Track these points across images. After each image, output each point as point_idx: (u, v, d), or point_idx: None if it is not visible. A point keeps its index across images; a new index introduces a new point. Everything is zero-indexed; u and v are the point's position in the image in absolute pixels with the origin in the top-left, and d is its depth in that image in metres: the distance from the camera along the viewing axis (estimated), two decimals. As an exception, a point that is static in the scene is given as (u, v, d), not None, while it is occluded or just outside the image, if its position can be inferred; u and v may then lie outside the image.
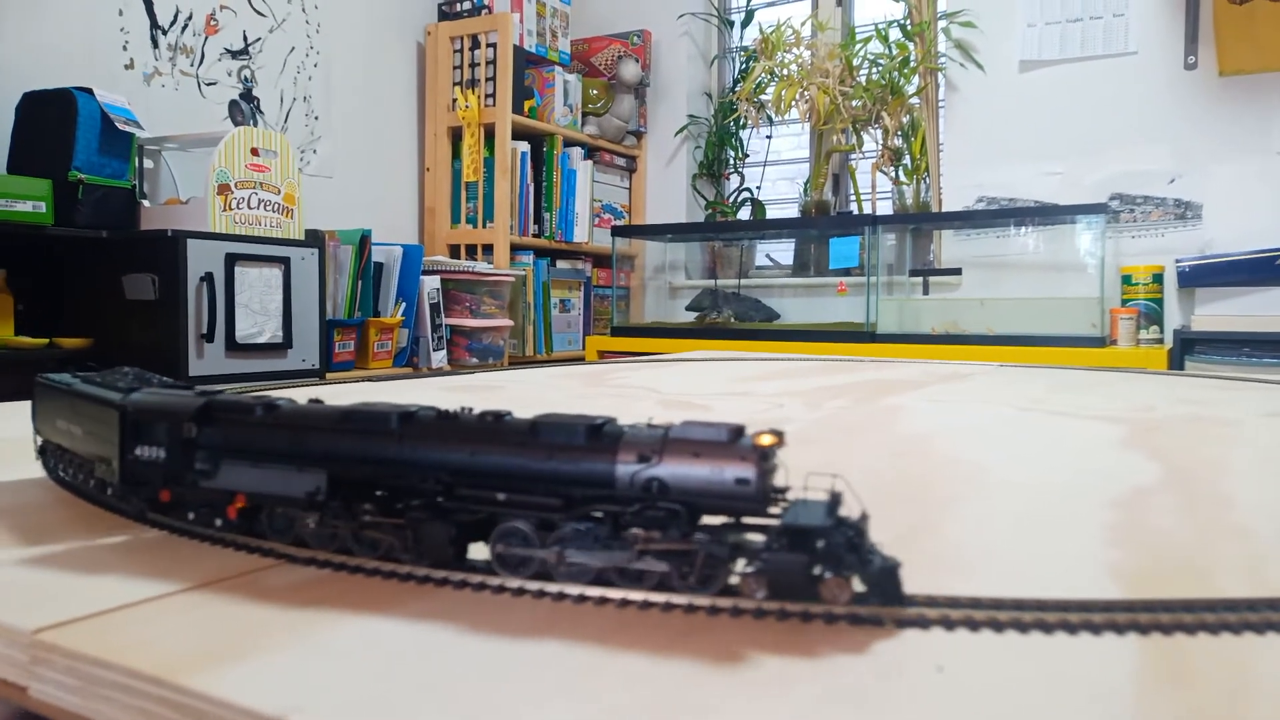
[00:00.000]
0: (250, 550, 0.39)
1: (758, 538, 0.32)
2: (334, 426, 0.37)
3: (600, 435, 0.33)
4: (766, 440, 0.31)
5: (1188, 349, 2.51)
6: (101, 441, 0.42)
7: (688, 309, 3.36)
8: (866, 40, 3.10)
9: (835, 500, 0.32)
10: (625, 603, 0.32)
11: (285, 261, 2.18)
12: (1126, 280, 2.68)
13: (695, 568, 0.32)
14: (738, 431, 0.32)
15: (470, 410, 0.36)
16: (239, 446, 0.38)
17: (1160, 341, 2.61)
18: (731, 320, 3.19)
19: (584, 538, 0.32)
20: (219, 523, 0.39)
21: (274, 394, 0.43)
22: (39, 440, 0.52)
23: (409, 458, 0.35)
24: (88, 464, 0.44)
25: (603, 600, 0.33)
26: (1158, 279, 2.65)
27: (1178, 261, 2.65)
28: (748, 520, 0.32)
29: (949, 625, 0.31)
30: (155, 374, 0.49)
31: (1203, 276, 2.58)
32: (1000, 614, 0.31)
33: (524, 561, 0.34)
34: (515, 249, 3.16)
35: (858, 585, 0.31)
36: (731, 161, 3.59)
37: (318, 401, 0.39)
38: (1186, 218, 2.73)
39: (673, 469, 0.32)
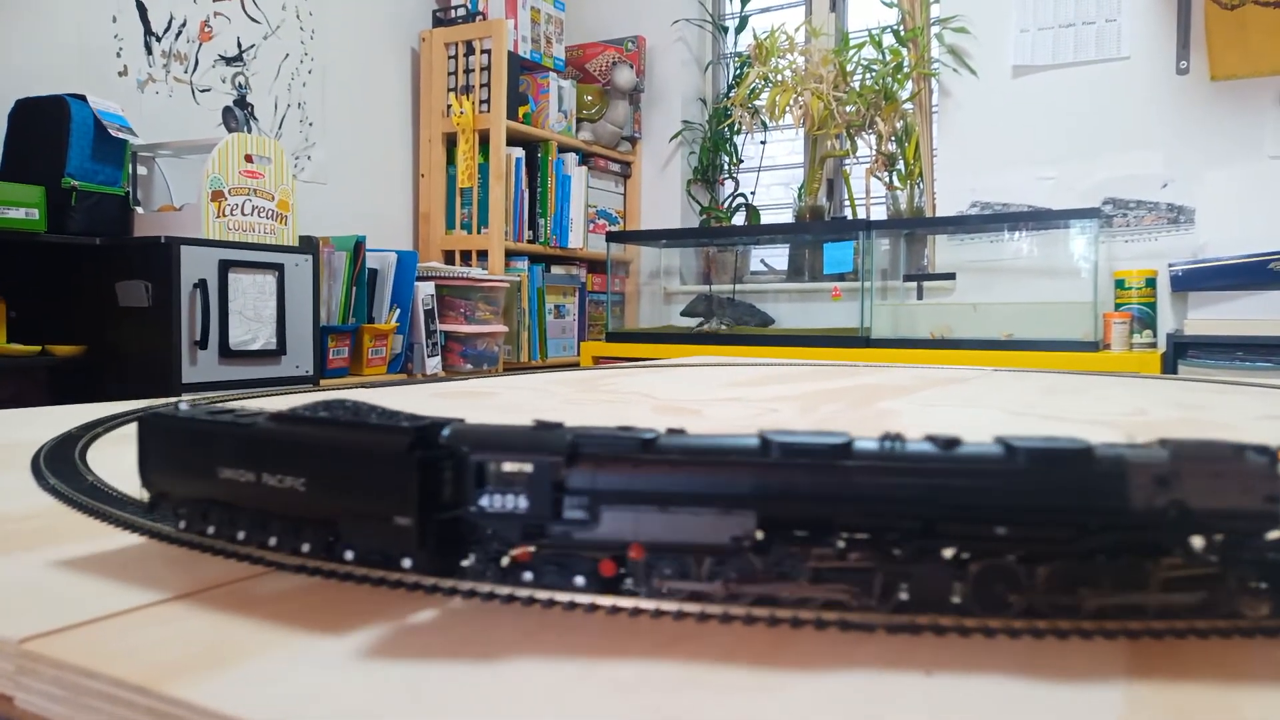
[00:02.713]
0: (238, 558, 0.39)
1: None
2: (762, 460, 0.31)
3: (1093, 459, 0.30)
4: None
5: (1181, 353, 2.52)
6: (356, 494, 0.33)
7: (682, 314, 3.36)
8: (860, 46, 3.11)
9: None
10: (615, 609, 0.32)
11: (279, 268, 2.18)
12: (1120, 284, 2.69)
13: (1231, 594, 0.30)
14: (1252, 448, 0.29)
15: (899, 436, 0.32)
16: (623, 489, 0.31)
17: (1153, 345, 2.61)
18: (726, 325, 3.19)
19: (1113, 572, 0.29)
20: (580, 581, 0.32)
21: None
22: (149, 492, 0.41)
23: (873, 493, 0.31)
24: (302, 525, 0.35)
25: (592, 608, 0.32)
26: (1151, 283, 2.66)
27: (1171, 266, 2.66)
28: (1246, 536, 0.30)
29: (939, 630, 0.30)
30: (359, 402, 0.38)
31: (1196, 280, 2.59)
32: (991, 618, 0.31)
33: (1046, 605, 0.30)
34: (510, 255, 3.16)
35: None
36: (726, 167, 3.60)
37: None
38: (1179, 222, 2.74)
39: (1195, 489, 0.29)
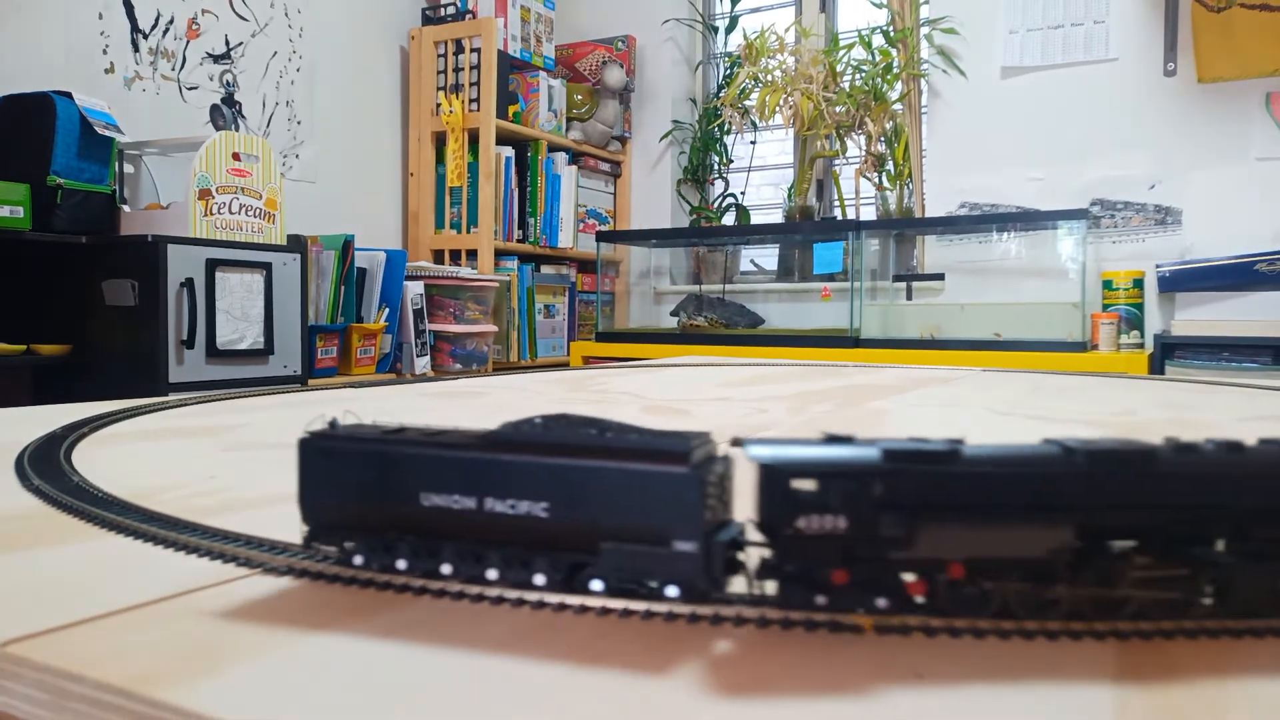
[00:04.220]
0: (225, 559, 0.38)
1: None
2: (1075, 469, 0.30)
3: None
4: None
5: (1168, 353, 2.53)
6: (621, 519, 0.31)
7: (672, 314, 3.36)
8: (850, 46, 3.12)
9: None
10: (605, 611, 0.32)
11: (267, 267, 2.17)
12: (1107, 285, 2.70)
13: None
14: None
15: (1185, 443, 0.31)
16: (941, 504, 0.30)
17: (1141, 346, 2.63)
18: (716, 325, 3.19)
19: None
20: (881, 604, 0.31)
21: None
22: (310, 524, 0.36)
23: (1186, 498, 0.30)
24: (535, 555, 0.32)
25: (582, 609, 0.32)
26: (1138, 284, 2.67)
27: (1158, 266, 2.67)
28: None
29: (930, 631, 0.30)
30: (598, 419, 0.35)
31: (1183, 281, 2.60)
32: (981, 620, 0.31)
33: None
34: (499, 254, 3.16)
35: None
36: (716, 167, 3.60)
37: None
38: (1167, 223, 2.76)
39: None
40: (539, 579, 0.33)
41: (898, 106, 3.06)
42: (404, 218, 3.31)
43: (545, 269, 3.39)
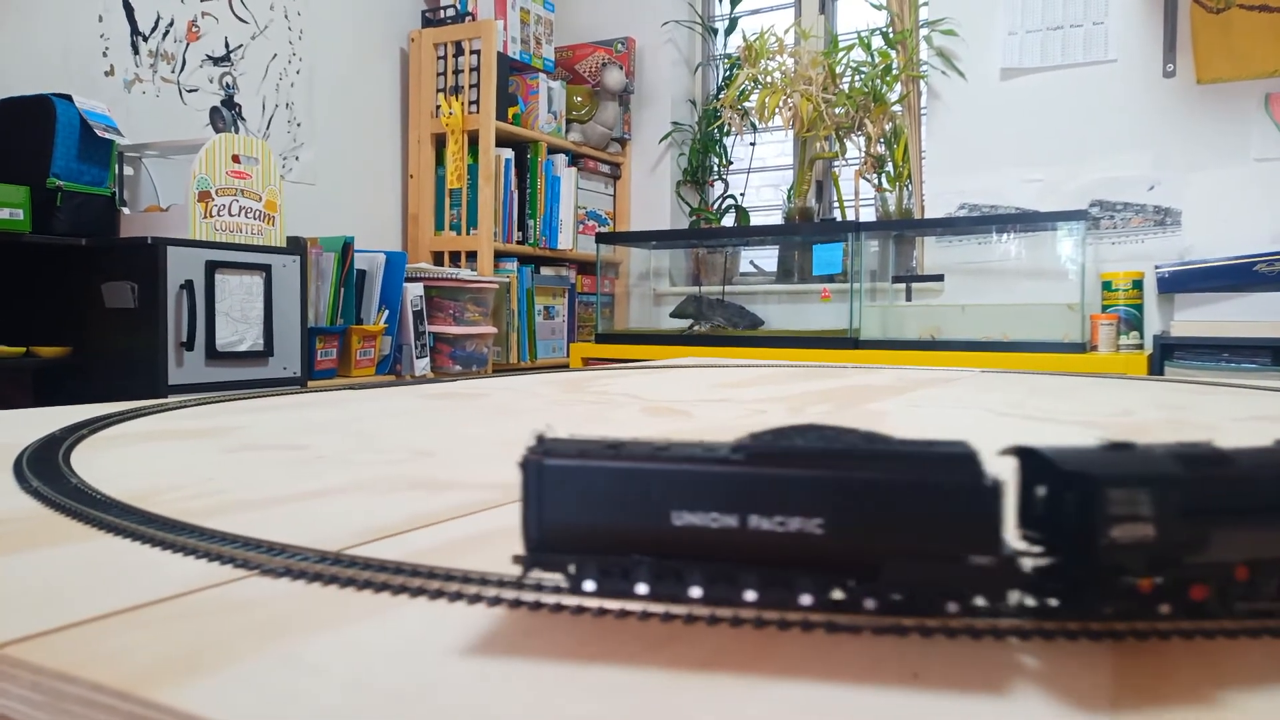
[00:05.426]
0: (223, 561, 0.38)
1: None
2: None
3: None
4: None
5: (1167, 354, 2.53)
6: (912, 533, 0.30)
7: (672, 315, 3.36)
8: (849, 48, 3.12)
9: None
10: (602, 611, 0.32)
11: (266, 269, 2.17)
12: (1107, 286, 2.70)
13: None
14: None
15: None
16: (1235, 507, 0.30)
17: (1140, 347, 2.63)
18: (715, 326, 3.19)
19: None
20: (1165, 609, 0.30)
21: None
22: (530, 547, 0.33)
23: None
24: (800, 574, 0.31)
25: (579, 610, 0.32)
26: (1137, 285, 2.67)
27: (1157, 267, 2.67)
28: None
29: (925, 632, 0.30)
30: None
31: (1182, 282, 2.60)
32: (976, 620, 0.31)
33: None
34: (499, 256, 3.16)
35: None
36: (715, 168, 3.60)
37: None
38: (1166, 224, 2.76)
39: None
40: (805, 599, 0.31)
41: (897, 108, 3.06)
42: (404, 219, 3.32)
43: (545, 271, 3.39)
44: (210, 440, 0.72)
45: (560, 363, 3.34)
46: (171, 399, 0.98)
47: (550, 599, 0.33)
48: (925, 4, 3.07)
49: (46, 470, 0.56)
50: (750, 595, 0.31)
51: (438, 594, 0.34)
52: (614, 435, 0.33)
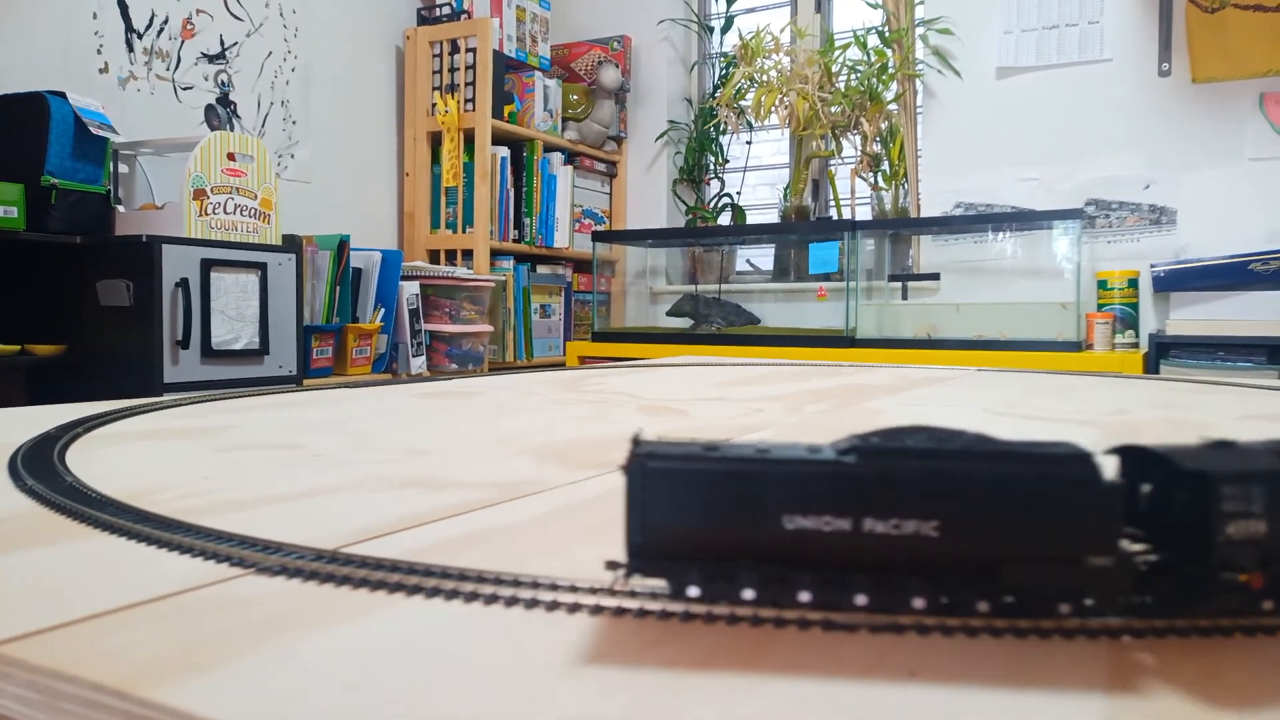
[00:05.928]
0: (218, 559, 0.38)
1: None
2: None
3: None
4: None
5: (1163, 353, 2.54)
6: (1029, 535, 0.30)
7: (668, 314, 3.36)
8: (845, 47, 3.12)
9: None
10: (598, 609, 0.32)
11: (262, 267, 2.17)
12: (1102, 285, 2.71)
13: None
14: None
15: None
16: None
17: (1136, 346, 2.64)
18: (712, 325, 3.19)
19: None
20: (1268, 605, 0.31)
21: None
22: (633, 551, 0.32)
23: None
24: (912, 578, 0.31)
25: (575, 608, 0.32)
26: (1133, 284, 2.68)
27: (1153, 266, 2.68)
28: None
29: (923, 630, 0.30)
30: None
31: (1177, 281, 2.61)
32: (974, 619, 0.31)
33: None
34: (495, 254, 3.16)
35: None
36: (712, 167, 3.60)
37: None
38: (1161, 223, 2.76)
39: None
40: (918, 603, 0.30)
41: (893, 107, 3.06)
42: (399, 218, 3.31)
43: (541, 269, 3.39)
44: (206, 439, 0.72)
45: (556, 361, 3.34)
46: (167, 397, 0.98)
47: (547, 597, 0.33)
48: (921, 3, 3.07)
49: (41, 469, 0.56)
50: (861, 599, 0.30)
51: (434, 591, 0.34)
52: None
